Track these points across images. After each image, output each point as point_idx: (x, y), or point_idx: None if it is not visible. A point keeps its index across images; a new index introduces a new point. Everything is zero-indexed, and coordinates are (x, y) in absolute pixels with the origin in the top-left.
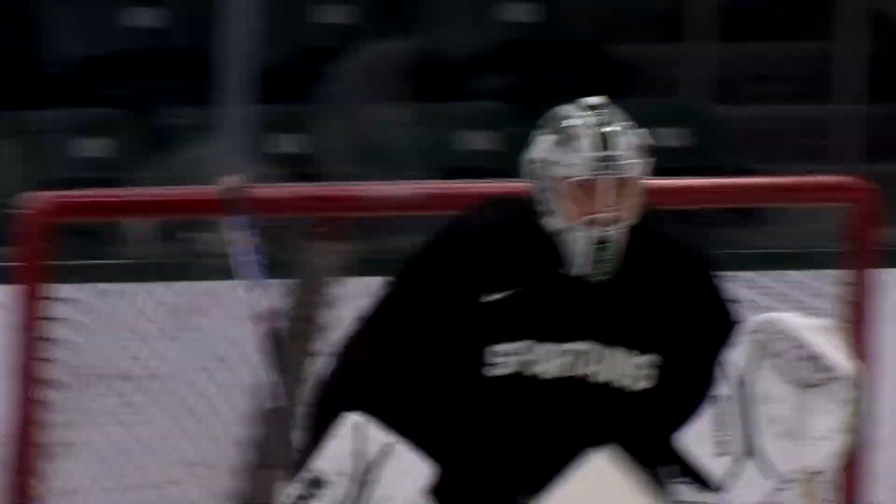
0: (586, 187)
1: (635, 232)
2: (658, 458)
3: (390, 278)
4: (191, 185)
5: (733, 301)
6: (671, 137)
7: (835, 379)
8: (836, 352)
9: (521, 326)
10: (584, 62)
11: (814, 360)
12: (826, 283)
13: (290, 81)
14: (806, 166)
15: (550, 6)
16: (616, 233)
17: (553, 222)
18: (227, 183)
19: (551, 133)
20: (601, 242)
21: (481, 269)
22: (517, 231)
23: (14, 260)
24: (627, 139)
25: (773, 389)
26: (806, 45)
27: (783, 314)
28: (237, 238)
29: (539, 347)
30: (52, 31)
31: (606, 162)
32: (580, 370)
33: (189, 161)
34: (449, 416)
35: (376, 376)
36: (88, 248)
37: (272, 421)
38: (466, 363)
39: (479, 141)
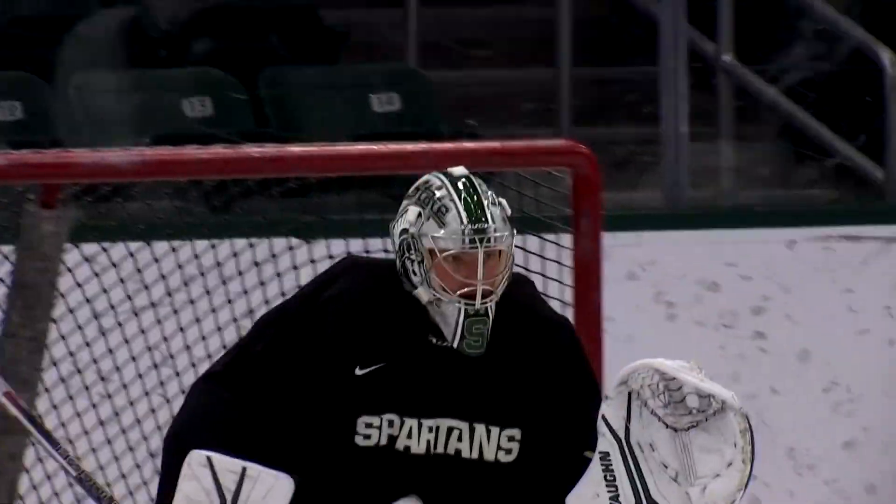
0: (459, 260)
1: (501, 304)
2: None
3: (255, 331)
4: None
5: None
6: (386, 103)
7: (724, 412)
8: (714, 386)
9: (386, 400)
10: (296, 27)
11: (698, 397)
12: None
13: (6, 49)
14: (526, 130)
15: None
16: (488, 306)
17: (424, 293)
18: None
19: (420, 205)
20: (475, 315)
21: (347, 344)
22: (385, 300)
23: None
24: (497, 211)
25: (655, 436)
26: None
27: (647, 361)
28: None
29: (406, 421)
30: None
31: (478, 235)
32: (448, 446)
33: None
34: (316, 475)
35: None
36: None
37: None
38: (336, 431)
39: (193, 107)
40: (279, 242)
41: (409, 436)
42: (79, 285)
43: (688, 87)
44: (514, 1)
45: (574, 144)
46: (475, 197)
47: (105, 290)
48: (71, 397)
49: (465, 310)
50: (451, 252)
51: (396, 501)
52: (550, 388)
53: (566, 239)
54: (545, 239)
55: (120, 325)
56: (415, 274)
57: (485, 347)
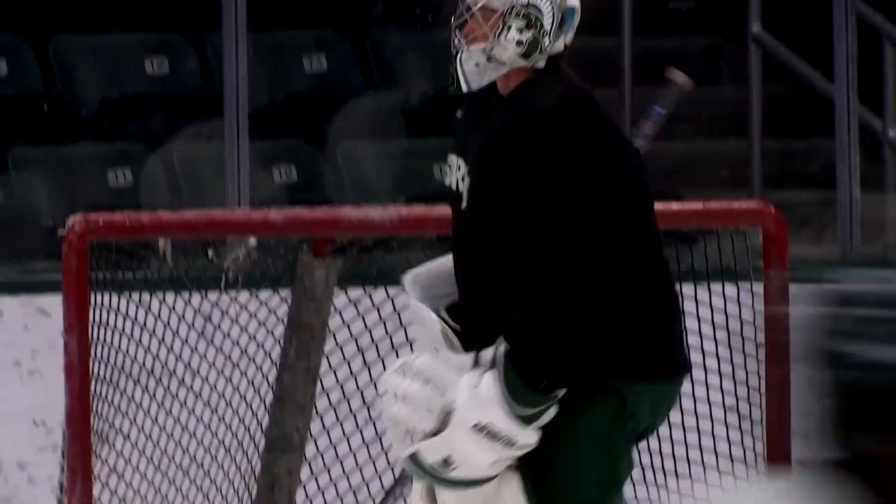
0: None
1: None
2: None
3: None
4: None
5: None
6: None
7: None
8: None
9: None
10: None
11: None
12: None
13: (284, 120)
14: (723, 194)
15: None
16: (459, 49)
17: None
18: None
19: None
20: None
21: None
22: None
23: (62, 273)
24: None
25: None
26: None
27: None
28: None
29: (450, 157)
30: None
31: None
32: (459, 185)
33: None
34: None
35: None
36: (127, 263)
37: (282, 413)
38: None
39: (443, 171)
40: None
41: (450, 171)
42: (345, 324)
43: (859, 157)
44: (712, 83)
45: (764, 206)
46: None
47: (368, 329)
48: (339, 421)
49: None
50: None
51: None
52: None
53: (758, 287)
54: (741, 287)
55: (381, 358)
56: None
57: (455, 86)
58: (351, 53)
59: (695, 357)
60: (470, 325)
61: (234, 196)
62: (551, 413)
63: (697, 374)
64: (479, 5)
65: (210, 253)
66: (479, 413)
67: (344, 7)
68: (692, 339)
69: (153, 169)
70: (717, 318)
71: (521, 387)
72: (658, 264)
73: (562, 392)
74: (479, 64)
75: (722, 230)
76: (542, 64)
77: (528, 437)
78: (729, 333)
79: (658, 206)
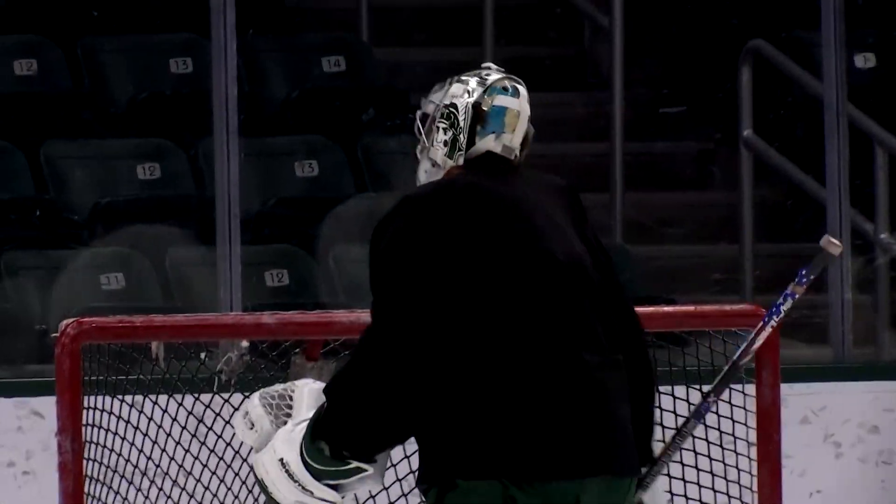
0: None
1: None
2: None
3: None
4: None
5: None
6: None
7: None
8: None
9: None
10: None
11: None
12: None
13: (275, 225)
14: (714, 297)
15: None
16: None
17: None
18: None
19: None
20: None
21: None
22: None
23: (55, 375)
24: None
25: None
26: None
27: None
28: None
29: None
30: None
31: None
32: None
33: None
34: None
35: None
36: (119, 366)
37: None
38: None
39: None
40: None
41: None
42: None
43: (850, 260)
44: (702, 187)
45: (756, 308)
46: None
47: None
48: None
49: None
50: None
51: None
52: None
53: (750, 388)
54: (732, 388)
55: None
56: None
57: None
58: (342, 158)
59: (688, 458)
60: None
61: (227, 299)
62: (353, 482)
63: (690, 474)
64: (419, 114)
65: (203, 356)
66: (284, 449)
67: (334, 113)
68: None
69: (145, 272)
70: (709, 420)
71: (309, 439)
72: (536, 362)
73: (357, 464)
74: (426, 171)
75: (714, 332)
76: (460, 161)
77: (324, 493)
78: (721, 433)
79: (650, 308)
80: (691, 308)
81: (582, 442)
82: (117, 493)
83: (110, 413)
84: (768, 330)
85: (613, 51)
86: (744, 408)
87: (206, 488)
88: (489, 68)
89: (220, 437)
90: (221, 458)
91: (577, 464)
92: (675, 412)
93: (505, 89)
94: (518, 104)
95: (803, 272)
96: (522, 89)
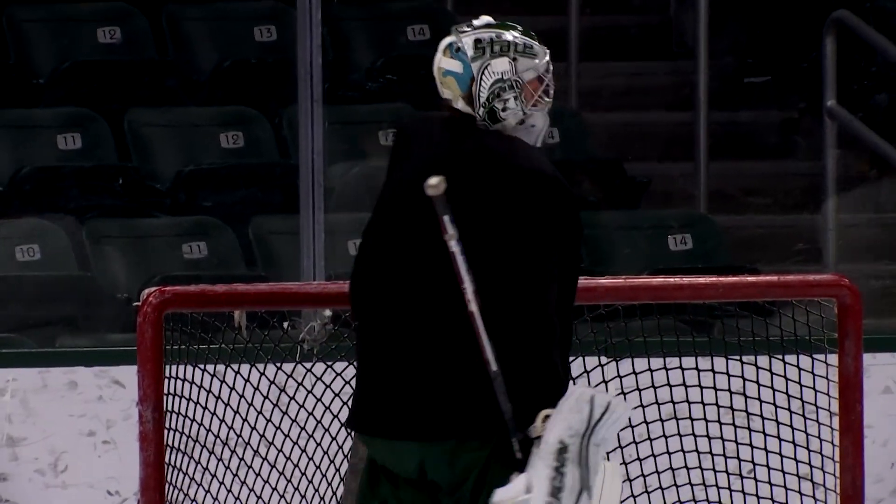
0: (548, 73)
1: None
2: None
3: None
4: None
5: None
6: (681, 243)
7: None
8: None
9: None
10: (606, 177)
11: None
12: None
13: None
14: (797, 267)
15: None
16: None
17: (515, 118)
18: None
19: (504, 55)
20: None
21: None
22: None
23: (137, 344)
24: None
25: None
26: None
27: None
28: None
29: None
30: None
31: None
32: None
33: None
34: None
35: None
36: (201, 335)
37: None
38: None
39: None
40: (591, 360)
41: None
42: None
43: None
44: (786, 157)
45: (839, 278)
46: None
47: None
48: None
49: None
50: (545, 72)
51: None
52: (500, 229)
53: (833, 358)
54: (815, 358)
55: None
56: (513, 107)
57: None
58: None
59: (770, 427)
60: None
61: (310, 268)
62: None
63: (772, 444)
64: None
65: (285, 325)
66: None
67: (418, 81)
68: (767, 410)
69: (228, 241)
70: (791, 390)
71: None
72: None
73: None
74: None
75: (797, 302)
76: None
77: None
78: (803, 404)
79: (734, 278)
80: (774, 278)
81: (358, 400)
82: (198, 463)
83: (192, 382)
84: None
85: (698, 20)
86: (826, 377)
87: (288, 458)
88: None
89: (301, 406)
90: (303, 428)
91: (357, 421)
92: (757, 382)
93: None
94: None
95: None
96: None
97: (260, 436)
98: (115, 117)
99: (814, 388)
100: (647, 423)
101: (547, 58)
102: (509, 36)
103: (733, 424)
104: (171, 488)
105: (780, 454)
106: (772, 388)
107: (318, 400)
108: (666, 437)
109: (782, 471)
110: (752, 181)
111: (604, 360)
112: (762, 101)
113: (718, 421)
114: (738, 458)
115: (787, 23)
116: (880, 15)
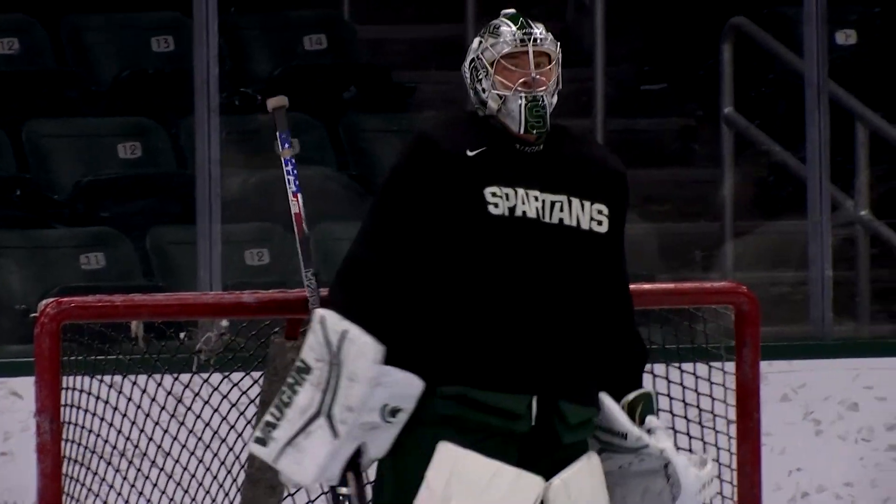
0: (514, 58)
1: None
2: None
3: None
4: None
5: None
6: None
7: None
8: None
9: (499, 174)
10: None
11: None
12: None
13: None
14: (695, 274)
15: None
16: (542, 95)
17: (493, 102)
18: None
19: (479, 36)
20: (532, 101)
21: (452, 140)
22: (470, 120)
23: (34, 355)
24: (543, 27)
25: None
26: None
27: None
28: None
29: (517, 190)
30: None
31: (525, 36)
32: (552, 216)
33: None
34: (456, 265)
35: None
36: (99, 346)
37: (254, 493)
38: (469, 206)
39: None
40: None
41: (523, 202)
42: None
43: (831, 237)
44: (684, 164)
45: (737, 286)
46: (520, 16)
47: None
48: (310, 500)
49: (524, 97)
50: (507, 51)
51: None
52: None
53: (730, 366)
54: (712, 366)
55: None
56: (483, 91)
57: (546, 127)
58: (324, 136)
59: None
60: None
61: (207, 278)
62: None
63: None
64: (559, 57)
65: (182, 335)
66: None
67: (316, 91)
68: (664, 419)
69: (126, 251)
70: (688, 398)
71: None
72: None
73: None
74: (552, 105)
75: (695, 310)
76: None
77: None
78: (700, 412)
79: (631, 286)
80: (671, 286)
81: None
82: (95, 473)
83: (89, 393)
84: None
85: (595, 27)
86: (723, 385)
87: (185, 469)
88: None
89: (199, 416)
90: (200, 439)
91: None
92: (654, 390)
93: None
94: None
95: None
96: None
97: (157, 446)
98: (14, 128)
99: (711, 396)
100: None
101: (511, 46)
102: (495, 21)
103: None
104: (69, 499)
105: None
106: (668, 395)
107: (215, 410)
108: None
109: None
110: (650, 188)
111: None
112: (660, 109)
113: None
114: None
115: (684, 30)
116: (777, 21)
